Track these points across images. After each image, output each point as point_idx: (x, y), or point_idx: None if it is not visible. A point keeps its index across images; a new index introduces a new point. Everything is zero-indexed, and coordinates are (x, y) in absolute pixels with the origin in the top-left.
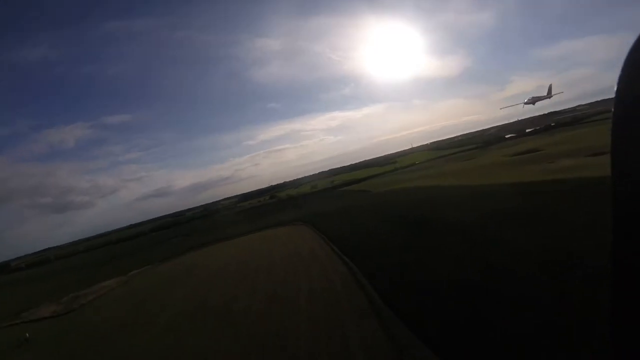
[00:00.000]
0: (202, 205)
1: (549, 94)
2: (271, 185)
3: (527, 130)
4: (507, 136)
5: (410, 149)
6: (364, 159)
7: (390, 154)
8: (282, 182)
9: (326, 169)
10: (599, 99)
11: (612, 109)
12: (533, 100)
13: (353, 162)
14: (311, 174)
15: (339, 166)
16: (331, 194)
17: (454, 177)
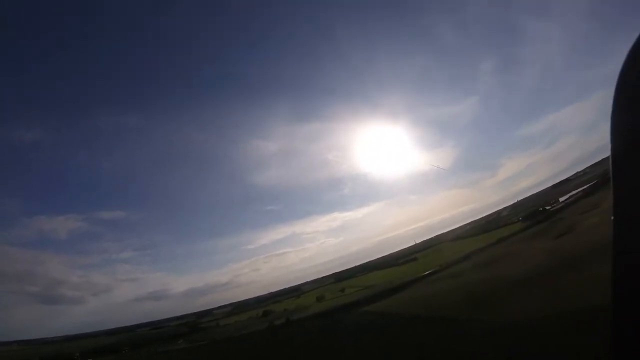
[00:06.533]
0: (193, 313)
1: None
2: (270, 293)
3: (562, 199)
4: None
5: (414, 244)
6: (367, 260)
7: (396, 252)
8: (282, 288)
9: (329, 273)
10: (589, 163)
11: (611, 108)
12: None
13: (357, 264)
14: (313, 278)
15: (341, 269)
16: (355, 323)
17: None
